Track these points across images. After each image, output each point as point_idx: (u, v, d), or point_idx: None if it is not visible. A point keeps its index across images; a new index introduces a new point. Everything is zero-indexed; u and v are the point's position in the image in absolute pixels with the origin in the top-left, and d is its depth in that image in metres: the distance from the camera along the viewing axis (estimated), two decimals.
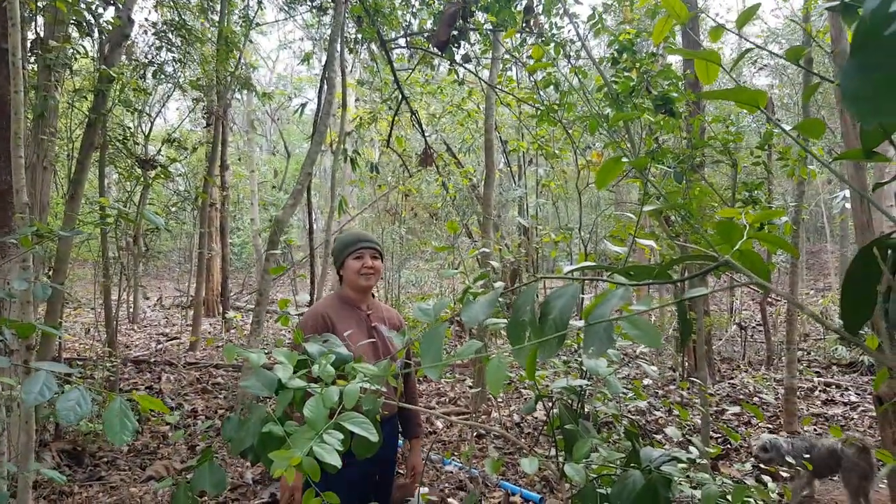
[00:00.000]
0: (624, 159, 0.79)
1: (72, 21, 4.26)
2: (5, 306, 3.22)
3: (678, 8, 0.89)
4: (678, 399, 5.72)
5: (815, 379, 7.16)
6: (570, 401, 1.57)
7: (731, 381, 7.00)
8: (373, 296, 2.55)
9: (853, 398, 6.37)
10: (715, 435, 4.97)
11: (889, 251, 0.68)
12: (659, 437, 4.61)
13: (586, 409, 1.67)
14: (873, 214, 3.58)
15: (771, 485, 1.88)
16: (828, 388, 6.83)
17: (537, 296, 1.02)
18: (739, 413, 5.75)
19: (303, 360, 1.44)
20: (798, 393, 5.85)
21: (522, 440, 4.73)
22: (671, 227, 3.63)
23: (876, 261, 0.68)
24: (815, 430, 5.33)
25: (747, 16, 0.80)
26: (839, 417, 5.74)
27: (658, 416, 5.39)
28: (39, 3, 4.20)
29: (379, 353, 2.27)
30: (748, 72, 13.00)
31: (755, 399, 6.28)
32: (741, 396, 6.35)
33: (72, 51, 4.34)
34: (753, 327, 10.36)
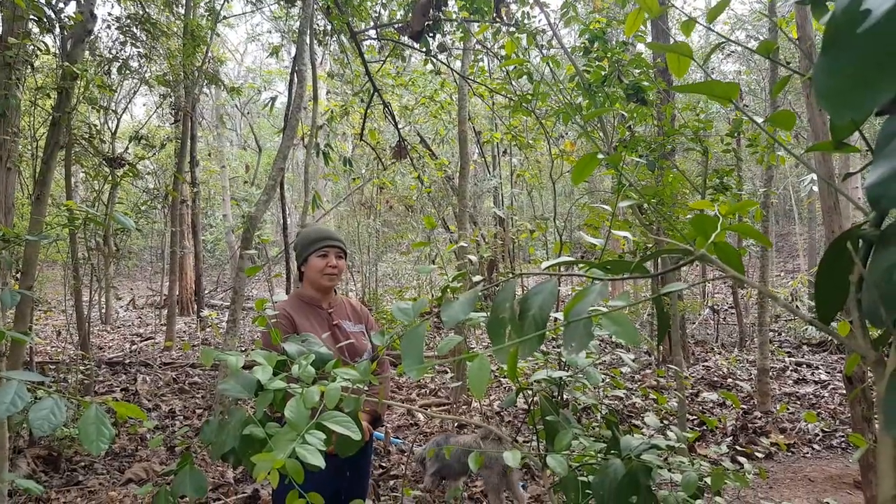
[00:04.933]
0: (600, 156, 0.79)
1: (32, 17, 4.12)
2: None
3: (650, 2, 0.90)
4: (654, 383, 5.82)
5: (787, 359, 7.33)
6: (550, 391, 1.58)
7: (706, 364, 7.14)
8: (335, 292, 2.48)
9: (823, 377, 6.54)
10: (691, 417, 5.07)
11: (860, 241, 0.69)
12: (636, 422, 4.69)
13: (566, 398, 1.68)
14: (840, 197, 3.67)
15: (747, 466, 1.92)
16: (799, 368, 7.01)
17: (516, 290, 1.02)
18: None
19: (281, 360, 1.42)
20: (770, 373, 5.99)
21: (504, 428, 4.76)
22: (644, 215, 3.67)
23: (848, 251, 0.70)
24: (788, 409, 5.47)
25: (718, 10, 0.81)
26: (810, 396, 5.89)
27: (635, 401, 5.48)
28: None
29: (344, 353, 2.23)
30: (716, 58, 13.16)
31: (729, 380, 6.42)
32: (715, 378, 6.48)
33: (32, 48, 4.20)
34: (726, 310, 10.57)
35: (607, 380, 2.08)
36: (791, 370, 6.93)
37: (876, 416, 2.49)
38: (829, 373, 6.69)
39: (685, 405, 3.36)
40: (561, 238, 6.99)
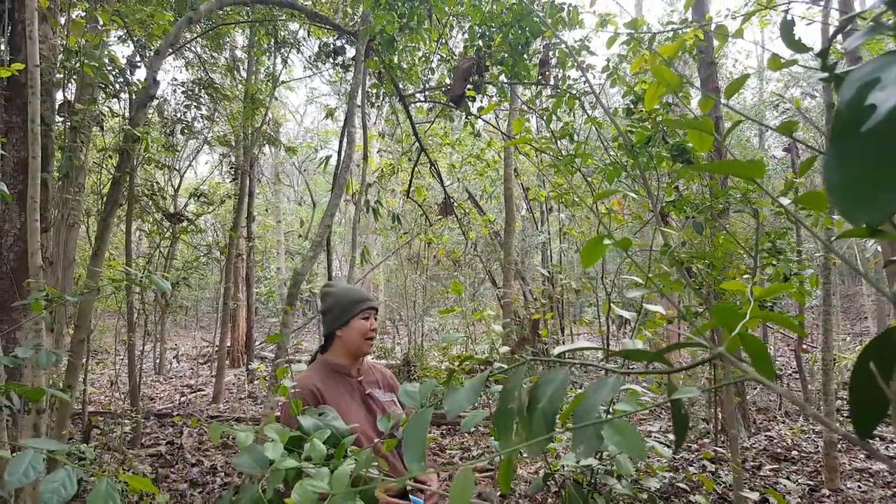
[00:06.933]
0: (606, 241, 0.74)
1: (99, 84, 4.43)
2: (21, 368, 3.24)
3: (669, 77, 0.86)
4: (712, 454, 5.46)
5: None
6: (581, 475, 1.48)
7: (768, 434, 6.68)
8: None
9: None
10: (749, 495, 4.70)
11: None
12: (686, 500, 4.38)
13: (599, 483, 1.57)
14: None
15: None
16: (870, 440, 6.46)
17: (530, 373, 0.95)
18: (777, 468, 5.46)
19: (297, 436, 1.38)
20: (839, 446, 5.53)
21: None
22: (694, 279, 3.53)
23: (885, 354, 0.61)
24: (858, 486, 5.01)
25: (736, 86, 0.76)
26: (884, 473, 5.39)
27: (692, 471, 5.14)
28: (67, 66, 4.39)
29: (377, 430, 2.04)
30: (770, 115, 12.84)
31: (794, 452, 5.96)
32: (779, 450, 6.04)
33: (98, 112, 4.50)
34: (789, 375, 9.97)
35: (649, 457, 1.94)
36: None
37: None
38: None
39: (741, 483, 3.10)
40: (609, 297, 6.81)
